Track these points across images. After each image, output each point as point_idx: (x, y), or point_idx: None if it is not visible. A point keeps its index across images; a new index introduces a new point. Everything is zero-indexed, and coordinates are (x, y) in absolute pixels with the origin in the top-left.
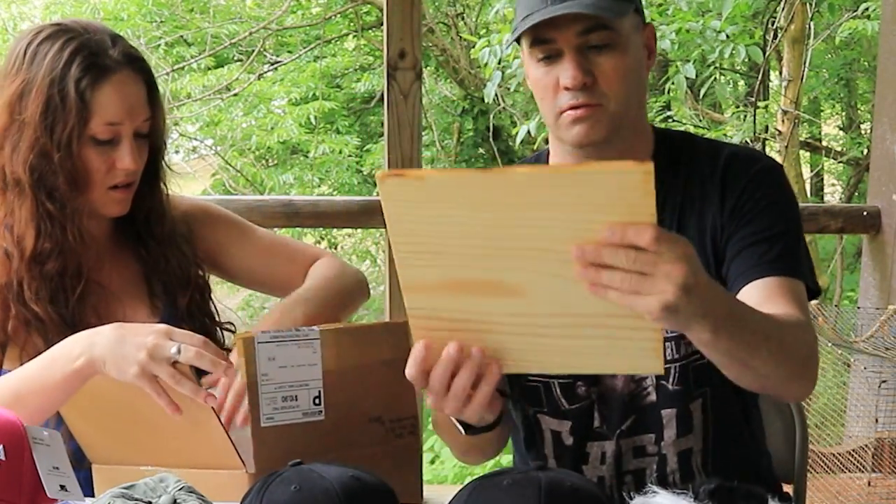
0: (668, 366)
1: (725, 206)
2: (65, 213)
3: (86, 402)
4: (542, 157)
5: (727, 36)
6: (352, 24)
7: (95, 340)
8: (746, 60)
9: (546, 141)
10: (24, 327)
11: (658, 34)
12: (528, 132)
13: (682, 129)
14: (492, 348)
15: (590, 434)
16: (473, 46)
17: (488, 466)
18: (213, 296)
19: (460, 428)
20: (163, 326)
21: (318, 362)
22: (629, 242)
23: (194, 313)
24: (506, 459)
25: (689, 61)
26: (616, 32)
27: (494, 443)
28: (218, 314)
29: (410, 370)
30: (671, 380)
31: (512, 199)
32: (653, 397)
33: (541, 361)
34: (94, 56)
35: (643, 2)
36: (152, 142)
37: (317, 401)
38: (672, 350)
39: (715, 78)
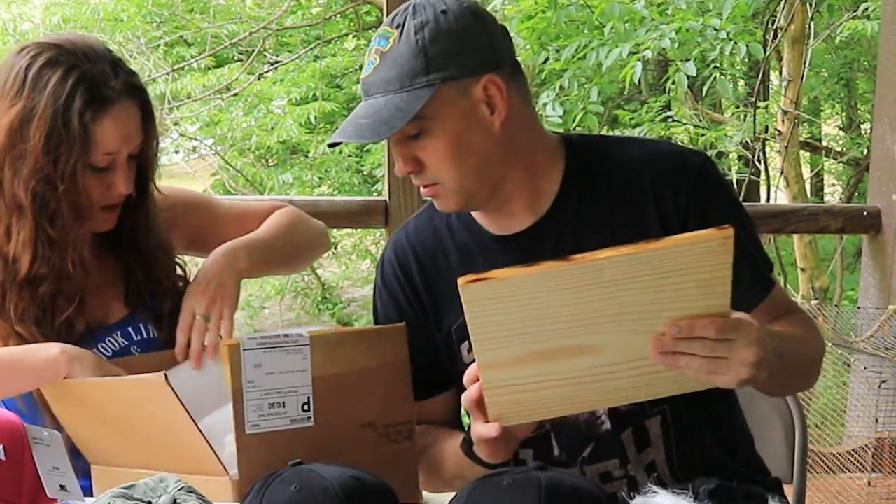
0: None
1: (669, 217)
2: (67, 239)
3: (77, 406)
4: None
5: (727, 34)
6: (352, 24)
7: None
8: (746, 60)
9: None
10: (2, 341)
11: (658, 34)
12: None
13: (682, 129)
14: (567, 397)
15: (552, 462)
16: None
17: None
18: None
19: (471, 461)
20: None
21: (308, 368)
22: (696, 336)
23: (174, 319)
24: None
25: (688, 60)
26: (424, 119)
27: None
28: None
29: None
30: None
31: (591, 280)
32: (607, 425)
33: (612, 399)
34: (96, 88)
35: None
36: (141, 161)
37: (305, 407)
38: None
39: (715, 77)
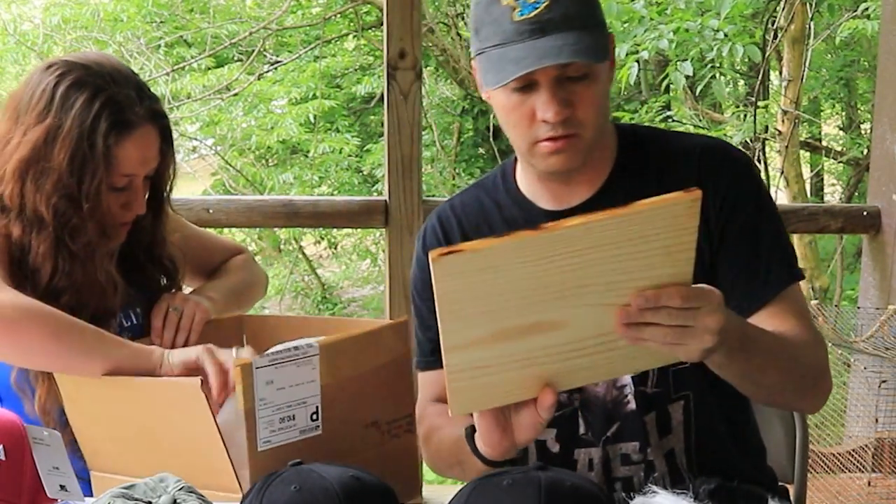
0: (645, 371)
1: (708, 210)
2: (90, 254)
3: (94, 407)
4: (508, 168)
5: (725, 35)
6: (352, 24)
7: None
8: (746, 60)
9: None
10: None
11: (657, 33)
12: None
13: (682, 129)
14: (527, 379)
15: (576, 441)
16: None
17: None
18: None
19: (477, 459)
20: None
21: (317, 378)
22: (662, 305)
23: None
24: None
25: (686, 59)
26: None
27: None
28: None
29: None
30: (649, 384)
31: (561, 249)
32: (633, 405)
33: (582, 377)
34: (121, 112)
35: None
36: (156, 181)
37: (314, 416)
38: None
39: (713, 76)
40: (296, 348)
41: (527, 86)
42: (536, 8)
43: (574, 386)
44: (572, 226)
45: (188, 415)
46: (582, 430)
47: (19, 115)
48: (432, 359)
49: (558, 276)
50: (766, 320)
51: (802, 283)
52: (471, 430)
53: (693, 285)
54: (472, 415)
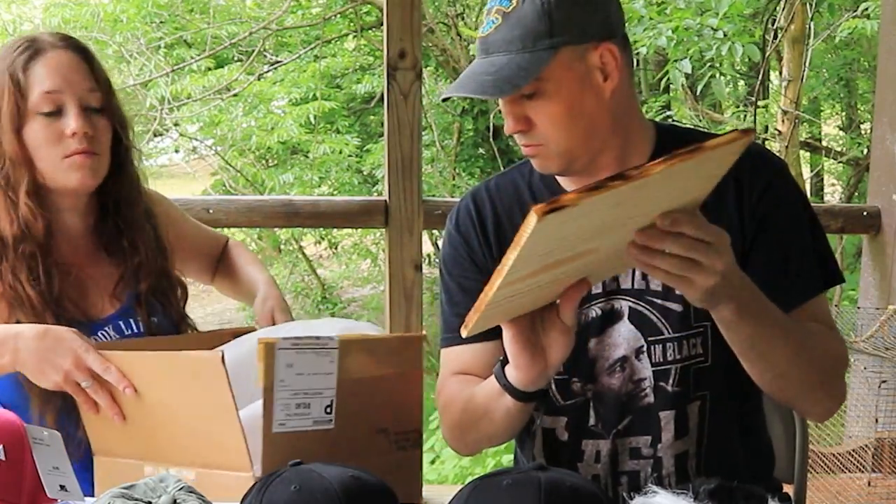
0: (668, 367)
1: (744, 209)
2: (21, 199)
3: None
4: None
5: (724, 34)
6: (352, 24)
7: (20, 346)
8: (747, 60)
9: None
10: (9, 305)
11: (655, 32)
12: None
13: None
14: (531, 301)
15: (585, 432)
16: (473, 42)
17: (488, 466)
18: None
19: (509, 396)
20: (76, 335)
21: (334, 371)
22: (678, 230)
23: (152, 301)
24: (506, 459)
25: (685, 58)
26: (542, 81)
27: (520, 422)
28: (187, 317)
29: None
30: (670, 381)
31: (640, 193)
32: (650, 399)
33: (596, 278)
34: (30, 43)
35: (619, 14)
36: (111, 121)
37: (328, 409)
38: (674, 351)
39: (713, 76)
40: (317, 338)
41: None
42: (490, 27)
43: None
44: (658, 171)
45: (206, 388)
46: (592, 421)
47: None
48: (459, 335)
49: (621, 214)
50: None
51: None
52: (501, 367)
53: (707, 223)
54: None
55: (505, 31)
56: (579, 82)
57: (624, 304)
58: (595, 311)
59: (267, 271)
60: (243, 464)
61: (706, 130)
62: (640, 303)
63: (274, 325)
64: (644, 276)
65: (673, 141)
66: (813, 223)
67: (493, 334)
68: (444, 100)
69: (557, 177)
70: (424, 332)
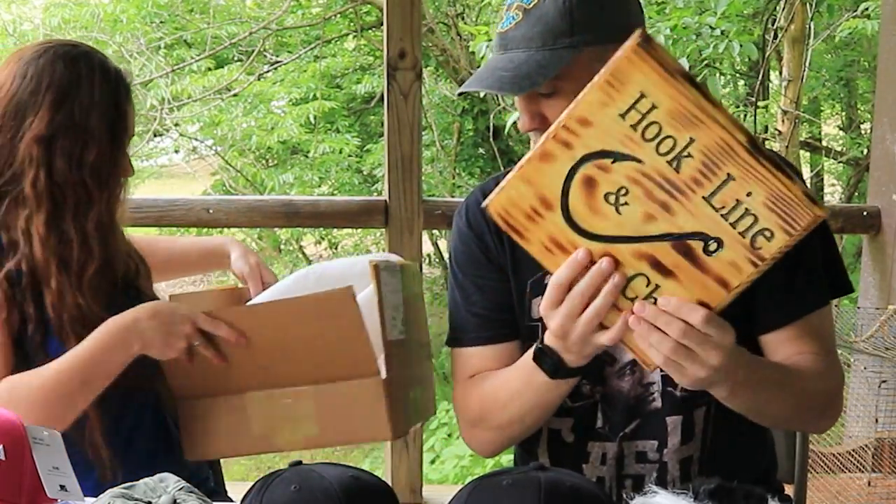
0: None
1: None
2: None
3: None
4: None
5: (722, 33)
6: (352, 24)
7: (142, 328)
8: (746, 60)
9: None
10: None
11: (654, 31)
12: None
13: None
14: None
15: (592, 434)
16: (473, 39)
17: (488, 466)
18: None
19: (535, 366)
20: (175, 304)
21: (400, 289)
22: (682, 317)
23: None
24: (506, 459)
25: (683, 57)
26: (561, 80)
27: (554, 406)
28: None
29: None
30: (678, 387)
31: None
32: (658, 403)
33: None
34: (121, 76)
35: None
36: None
37: (403, 321)
38: None
39: (711, 75)
40: (388, 260)
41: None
42: (510, 23)
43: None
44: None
45: (338, 320)
46: (599, 423)
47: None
48: (473, 335)
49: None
50: (786, 341)
51: None
52: (538, 349)
53: (716, 318)
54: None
55: (525, 28)
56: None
57: None
58: None
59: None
60: (372, 370)
61: None
62: None
63: (262, 279)
64: None
65: None
66: (824, 233)
67: (512, 335)
68: (460, 94)
69: None
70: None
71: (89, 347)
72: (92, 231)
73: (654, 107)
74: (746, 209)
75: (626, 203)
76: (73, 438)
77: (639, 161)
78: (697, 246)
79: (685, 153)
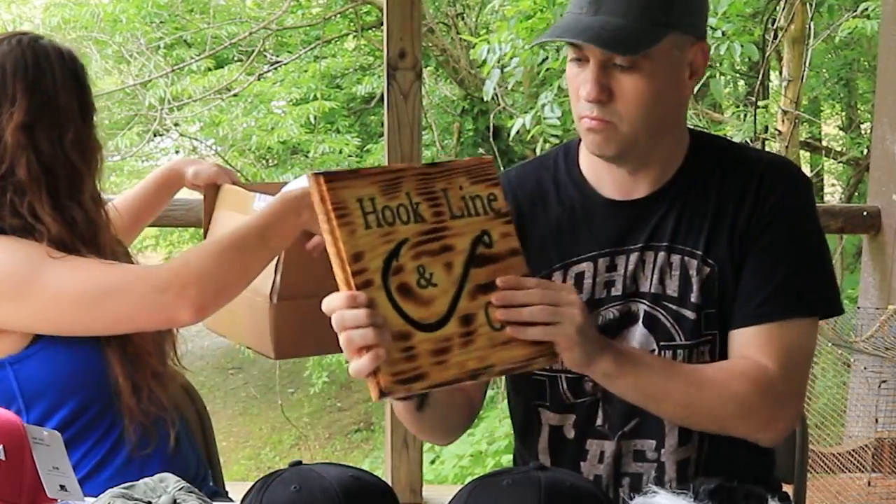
0: None
1: (755, 212)
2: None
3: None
4: (571, 149)
5: (723, 33)
6: (352, 24)
7: (309, 201)
8: (746, 60)
9: (540, 134)
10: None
11: None
12: (524, 124)
13: None
14: None
15: (591, 431)
16: (473, 47)
17: (488, 466)
18: None
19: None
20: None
21: None
22: (522, 283)
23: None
24: (506, 459)
25: None
26: (645, 57)
27: (443, 424)
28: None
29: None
30: None
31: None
32: None
33: None
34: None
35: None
36: None
37: None
38: (684, 358)
39: (712, 76)
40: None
41: (581, 59)
42: None
43: None
44: None
45: None
46: (599, 421)
47: None
48: None
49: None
50: (739, 342)
51: None
52: None
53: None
54: None
55: None
56: (672, 71)
57: (640, 308)
58: (612, 312)
59: None
60: None
61: (749, 145)
62: (656, 307)
63: (230, 177)
64: (661, 280)
65: (704, 150)
66: (816, 251)
67: None
68: (539, 44)
69: (607, 161)
70: None
71: (264, 213)
72: (89, 204)
73: (372, 198)
74: (468, 196)
75: (431, 273)
76: (104, 408)
77: (405, 240)
78: (483, 250)
79: (413, 205)
